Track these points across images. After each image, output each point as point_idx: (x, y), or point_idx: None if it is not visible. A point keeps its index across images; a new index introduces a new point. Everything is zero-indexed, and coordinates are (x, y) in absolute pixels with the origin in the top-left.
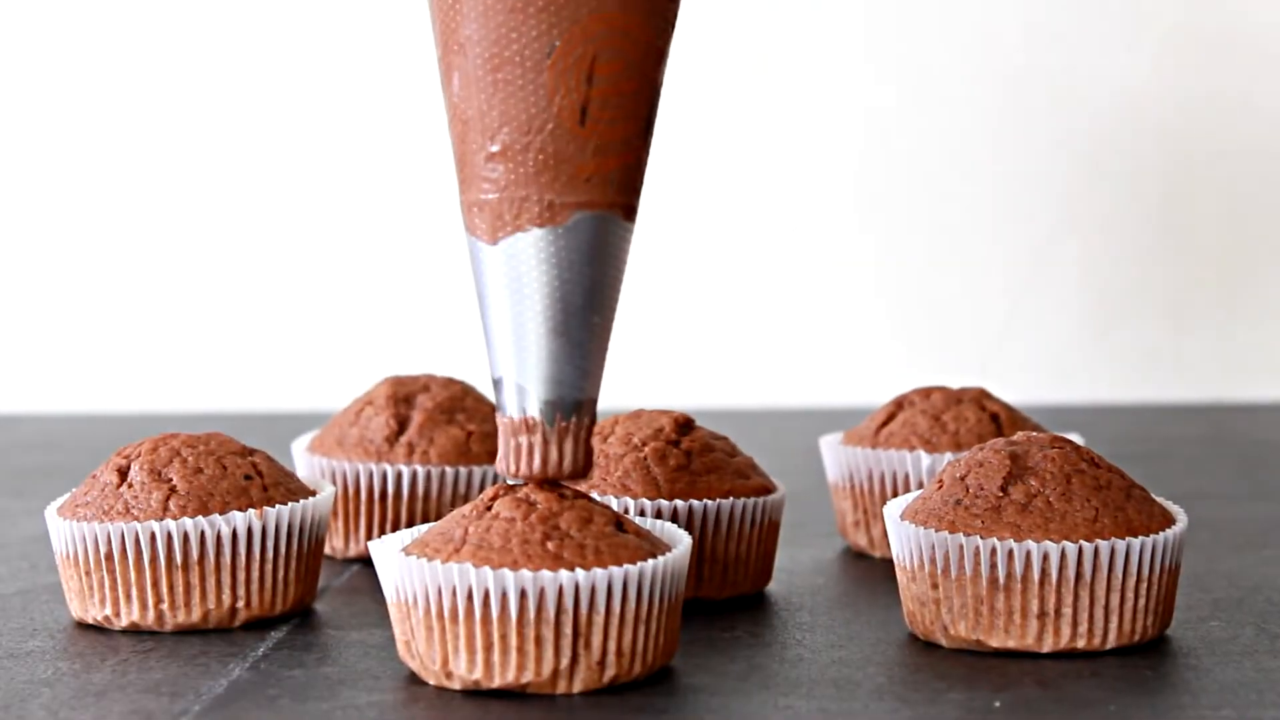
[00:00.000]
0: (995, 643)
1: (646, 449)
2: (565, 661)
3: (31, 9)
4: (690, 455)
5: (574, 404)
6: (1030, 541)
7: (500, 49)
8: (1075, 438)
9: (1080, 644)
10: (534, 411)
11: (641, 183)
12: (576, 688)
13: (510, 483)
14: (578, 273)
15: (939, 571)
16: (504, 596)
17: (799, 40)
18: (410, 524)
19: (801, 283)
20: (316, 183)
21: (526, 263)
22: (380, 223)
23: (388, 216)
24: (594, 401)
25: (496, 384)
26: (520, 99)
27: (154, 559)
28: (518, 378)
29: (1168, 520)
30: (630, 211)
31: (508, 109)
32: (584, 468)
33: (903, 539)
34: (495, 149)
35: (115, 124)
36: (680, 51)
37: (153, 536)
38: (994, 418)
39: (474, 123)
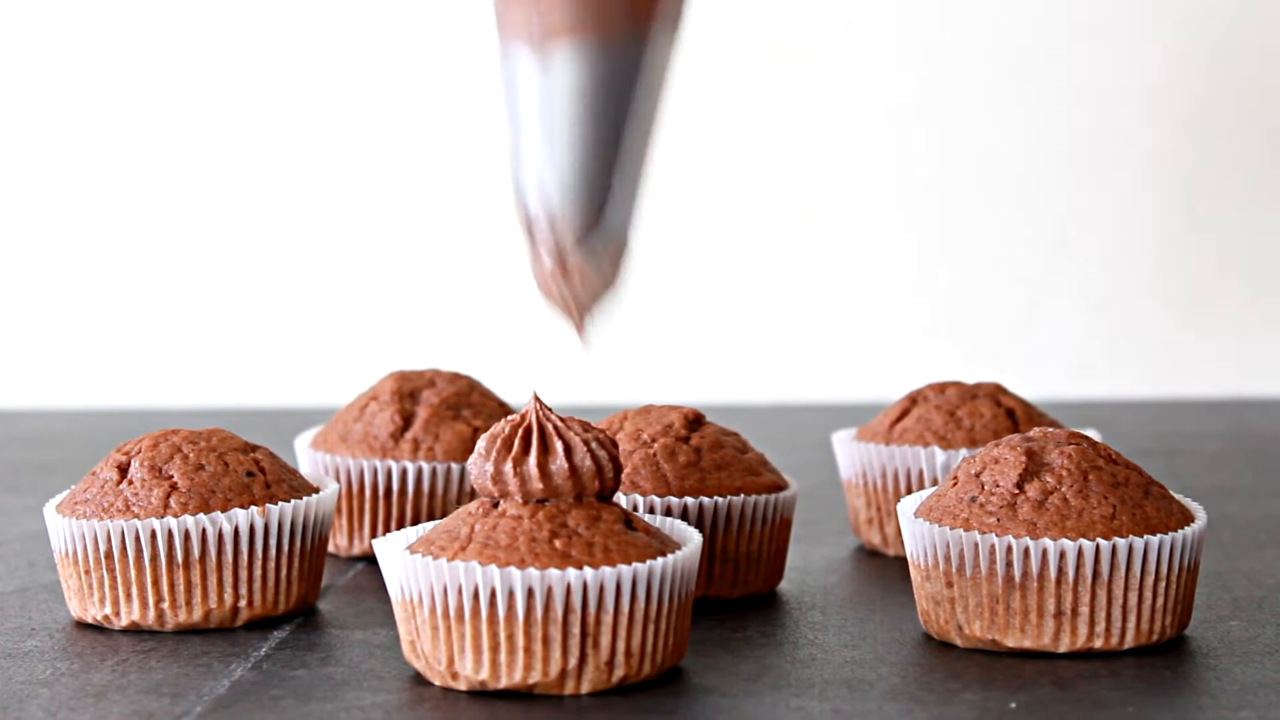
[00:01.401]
0: (1011, 642)
1: (656, 445)
2: (573, 662)
3: (31, 7)
4: (700, 452)
5: (611, 225)
6: (1046, 539)
7: None
8: (1092, 434)
9: (1098, 644)
10: (569, 234)
11: None
12: (584, 688)
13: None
14: (624, 90)
15: (954, 570)
16: (511, 596)
17: (816, 32)
18: (415, 522)
19: (814, 276)
20: (319, 175)
21: (573, 77)
22: (384, 216)
23: (391, 209)
24: (627, 219)
25: (524, 208)
26: None
27: (154, 557)
28: (548, 198)
29: (1187, 518)
30: (680, 21)
31: None
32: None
33: (917, 537)
34: None
35: (115, 118)
36: (698, 41)
37: (153, 534)
38: (1010, 413)
39: None
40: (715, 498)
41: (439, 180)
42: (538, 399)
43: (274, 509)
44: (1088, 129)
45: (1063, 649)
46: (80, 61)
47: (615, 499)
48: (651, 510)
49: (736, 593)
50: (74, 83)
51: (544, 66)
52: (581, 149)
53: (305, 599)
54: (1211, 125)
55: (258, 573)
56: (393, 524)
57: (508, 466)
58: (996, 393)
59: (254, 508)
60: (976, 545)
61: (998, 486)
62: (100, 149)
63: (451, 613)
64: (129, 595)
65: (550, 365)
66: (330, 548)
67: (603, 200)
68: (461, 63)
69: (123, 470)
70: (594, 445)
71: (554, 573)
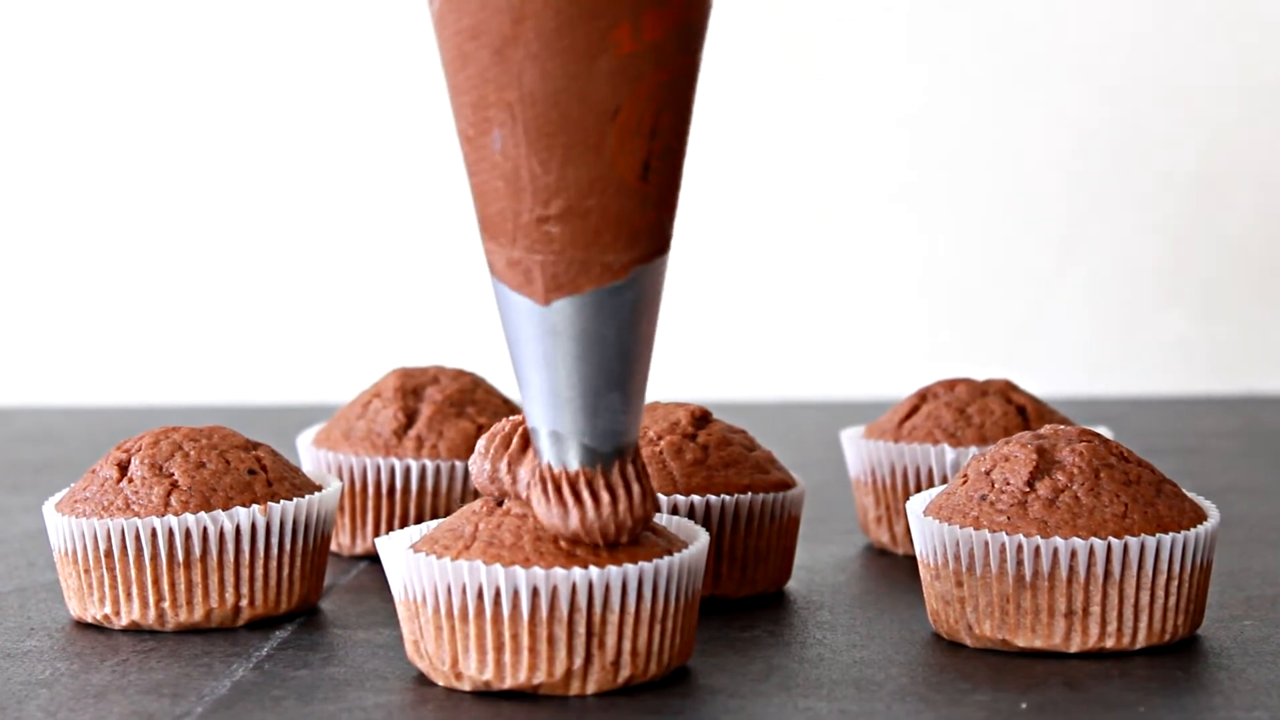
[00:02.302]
0: (1021, 642)
1: (662, 443)
2: (579, 662)
3: (31, 7)
4: (707, 449)
5: (623, 449)
6: (1057, 538)
7: (560, 113)
8: (1104, 431)
9: (1109, 644)
10: (578, 463)
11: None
12: (590, 689)
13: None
14: (632, 326)
15: (963, 569)
16: (515, 595)
17: (823, 30)
18: (419, 520)
19: (822, 272)
20: (322, 170)
21: (581, 322)
22: (388, 211)
23: (395, 204)
24: (638, 439)
25: (534, 432)
26: (582, 162)
27: (155, 556)
28: (558, 427)
29: (1199, 516)
30: (671, 240)
31: (567, 172)
32: (649, 500)
33: (926, 535)
34: (552, 211)
35: (115, 112)
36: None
37: (154, 533)
38: (1020, 410)
39: (523, 184)
40: (722, 496)
41: (441, 176)
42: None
43: (276, 507)
44: (1098, 124)
45: (1074, 649)
46: (81, 60)
47: None
48: (657, 508)
49: (744, 592)
50: (75, 81)
51: (550, 319)
52: (600, 389)
53: (307, 598)
54: (1223, 121)
55: (259, 572)
56: (396, 522)
57: (503, 465)
58: (1007, 390)
59: (255, 506)
60: (987, 544)
61: (1008, 484)
62: (98, 142)
63: (455, 612)
64: (129, 594)
65: None
66: (333, 546)
67: (628, 435)
68: None
69: (123, 468)
70: None
71: (559, 572)
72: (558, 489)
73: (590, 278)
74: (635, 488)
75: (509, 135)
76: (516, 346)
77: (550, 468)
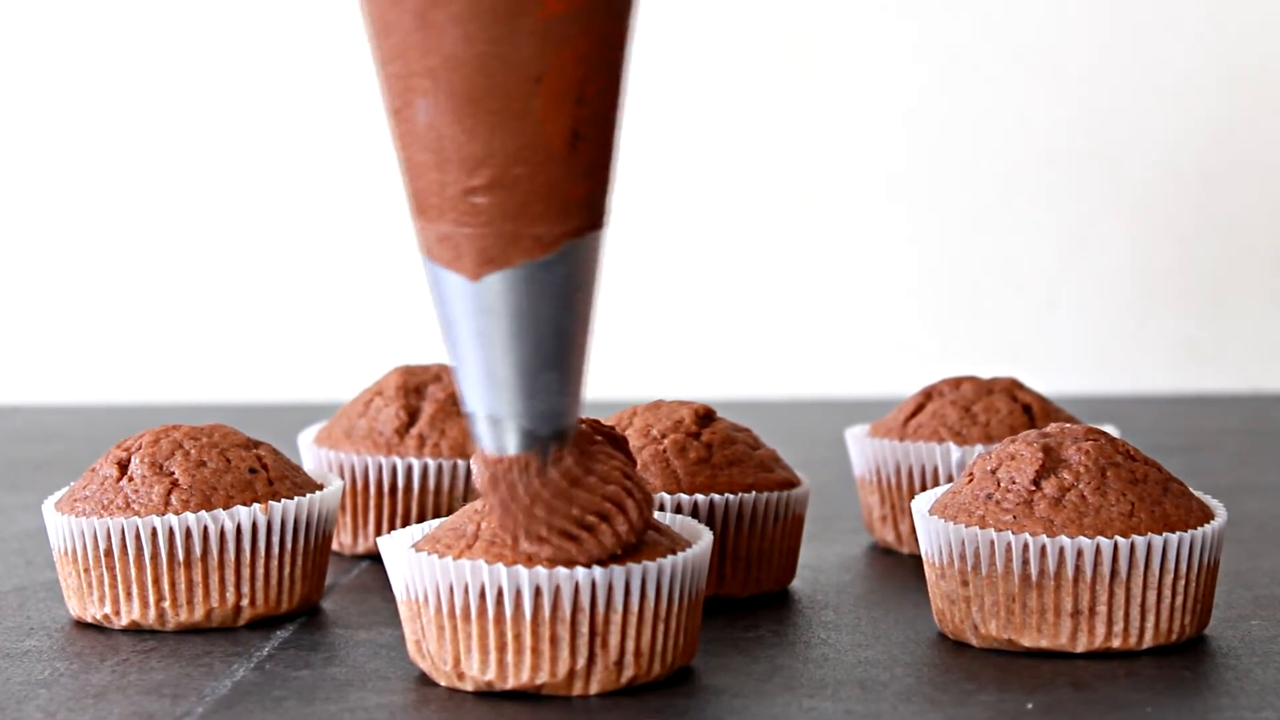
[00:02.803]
0: (1027, 642)
1: (666, 441)
2: (581, 662)
3: (31, 6)
4: (711, 448)
5: (563, 432)
6: (1064, 537)
7: (484, 78)
8: (1111, 429)
9: (1115, 644)
10: (517, 447)
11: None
12: (593, 689)
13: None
14: (567, 302)
15: (969, 568)
16: (518, 594)
17: (828, 21)
18: (421, 519)
19: (826, 269)
20: (323, 165)
21: (513, 297)
22: (390, 207)
23: (397, 201)
24: (576, 421)
25: (470, 418)
26: (507, 129)
27: (155, 555)
28: (492, 411)
29: (1207, 515)
30: (607, 218)
31: (493, 140)
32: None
33: (931, 534)
34: (479, 181)
35: (113, 108)
36: (706, 34)
37: (154, 532)
38: (1026, 409)
39: (449, 154)
40: (726, 495)
41: None
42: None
43: (277, 506)
44: (1106, 121)
45: (1080, 649)
46: (82, 58)
47: None
48: (661, 507)
49: (748, 591)
50: (76, 78)
51: (482, 295)
52: (535, 369)
53: (309, 598)
54: (1232, 117)
55: (260, 571)
56: (398, 521)
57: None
58: (1013, 388)
59: (256, 505)
60: (992, 543)
61: (1014, 483)
62: (97, 139)
63: (458, 612)
64: (129, 594)
65: None
66: (334, 546)
67: (567, 417)
68: None
69: (123, 467)
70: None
71: (562, 571)
72: (503, 476)
73: (520, 250)
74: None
75: (433, 104)
76: (450, 328)
77: (487, 454)
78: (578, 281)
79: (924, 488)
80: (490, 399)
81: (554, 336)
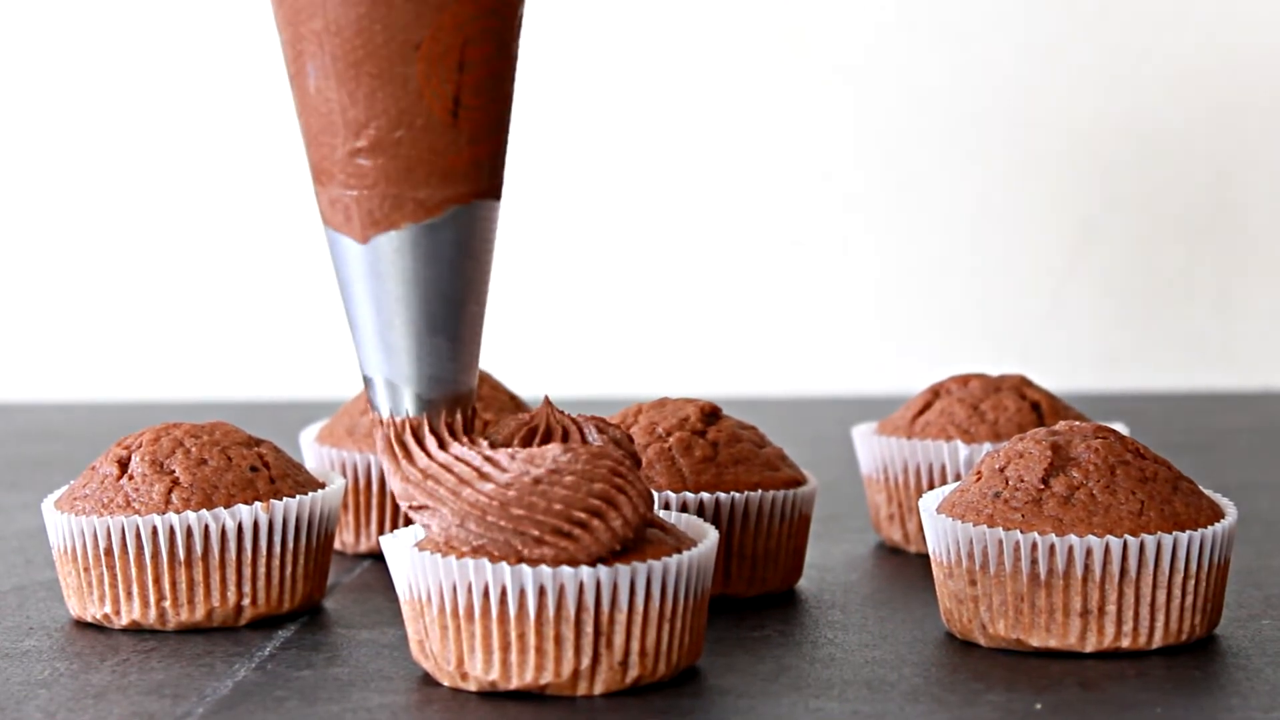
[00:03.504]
0: (1036, 642)
1: (671, 439)
2: (586, 662)
3: (31, 5)
4: (717, 446)
5: (454, 399)
6: (1073, 536)
7: (364, 40)
8: (1120, 427)
9: (1125, 643)
10: (414, 410)
11: (506, 157)
12: (598, 689)
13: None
14: (454, 267)
15: (977, 567)
16: (522, 594)
17: (828, 14)
18: None
19: (833, 265)
20: None
21: (401, 260)
22: None
23: None
24: (473, 392)
25: (368, 382)
26: (388, 93)
27: (156, 554)
28: (389, 375)
29: (1217, 514)
30: (499, 191)
31: (375, 103)
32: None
33: (939, 533)
34: (363, 144)
35: (113, 105)
36: (702, 29)
37: (154, 531)
38: (1035, 406)
39: (335, 118)
40: (732, 493)
41: None
42: (549, 402)
43: (278, 505)
44: (1116, 115)
45: (1089, 649)
46: (82, 56)
47: None
48: (667, 506)
49: (754, 591)
50: (75, 76)
51: (371, 258)
52: (423, 332)
53: (311, 597)
54: (1242, 111)
55: (262, 570)
56: (400, 520)
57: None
58: (1021, 385)
59: (258, 504)
60: (1001, 542)
61: (1022, 481)
62: (96, 136)
63: (461, 611)
64: (129, 593)
65: (563, 357)
66: (336, 545)
67: (456, 384)
68: None
69: (123, 465)
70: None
71: (566, 570)
72: (398, 439)
73: (405, 214)
74: (464, 449)
75: (319, 68)
76: (346, 292)
77: (388, 419)
78: (466, 248)
79: (931, 486)
80: (387, 363)
81: (442, 301)
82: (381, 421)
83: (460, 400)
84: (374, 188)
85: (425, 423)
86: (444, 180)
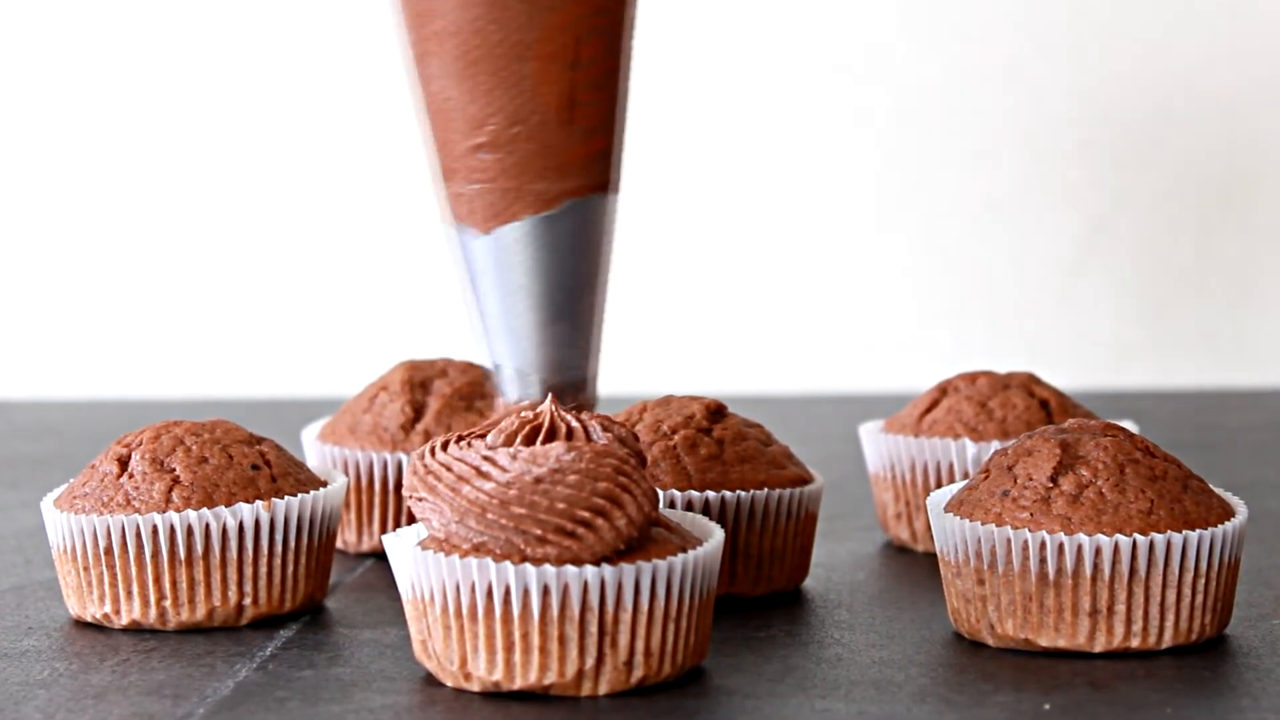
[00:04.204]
0: (1044, 642)
1: (676, 437)
2: (590, 662)
3: (31, 4)
4: (722, 444)
5: (579, 384)
6: (1081, 535)
7: (481, 40)
8: (1129, 425)
9: (1134, 643)
10: (540, 395)
11: (623, 151)
12: (602, 689)
13: None
14: (572, 258)
15: (985, 566)
16: (525, 593)
17: (835, 9)
18: None
19: (840, 262)
20: (326, 155)
21: (522, 250)
22: (395, 199)
23: (403, 192)
24: (595, 377)
25: (495, 369)
26: (505, 90)
27: (156, 553)
28: (519, 364)
29: (1227, 512)
30: (616, 184)
31: (492, 101)
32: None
33: (947, 532)
34: (482, 140)
35: (112, 101)
36: (711, 23)
37: (155, 530)
38: (1043, 404)
39: (456, 113)
40: (738, 491)
41: None
42: (554, 399)
43: (280, 503)
44: (1126, 108)
45: (1098, 649)
46: (82, 53)
47: None
48: (672, 504)
49: (760, 590)
50: (75, 73)
51: (495, 248)
52: (546, 320)
53: (312, 597)
54: (1254, 106)
55: (263, 570)
56: (403, 519)
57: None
58: (1030, 383)
59: (259, 502)
60: (1009, 541)
61: (1031, 480)
62: (95, 133)
63: (464, 611)
64: (129, 593)
65: None
66: (338, 543)
67: (577, 370)
68: None
69: (123, 463)
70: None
71: (570, 570)
72: (527, 425)
73: (524, 205)
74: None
75: (440, 66)
76: (473, 285)
77: (510, 404)
78: (583, 239)
79: (939, 484)
80: (513, 351)
81: (562, 289)
82: (510, 409)
83: (581, 386)
84: (494, 182)
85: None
86: (560, 174)
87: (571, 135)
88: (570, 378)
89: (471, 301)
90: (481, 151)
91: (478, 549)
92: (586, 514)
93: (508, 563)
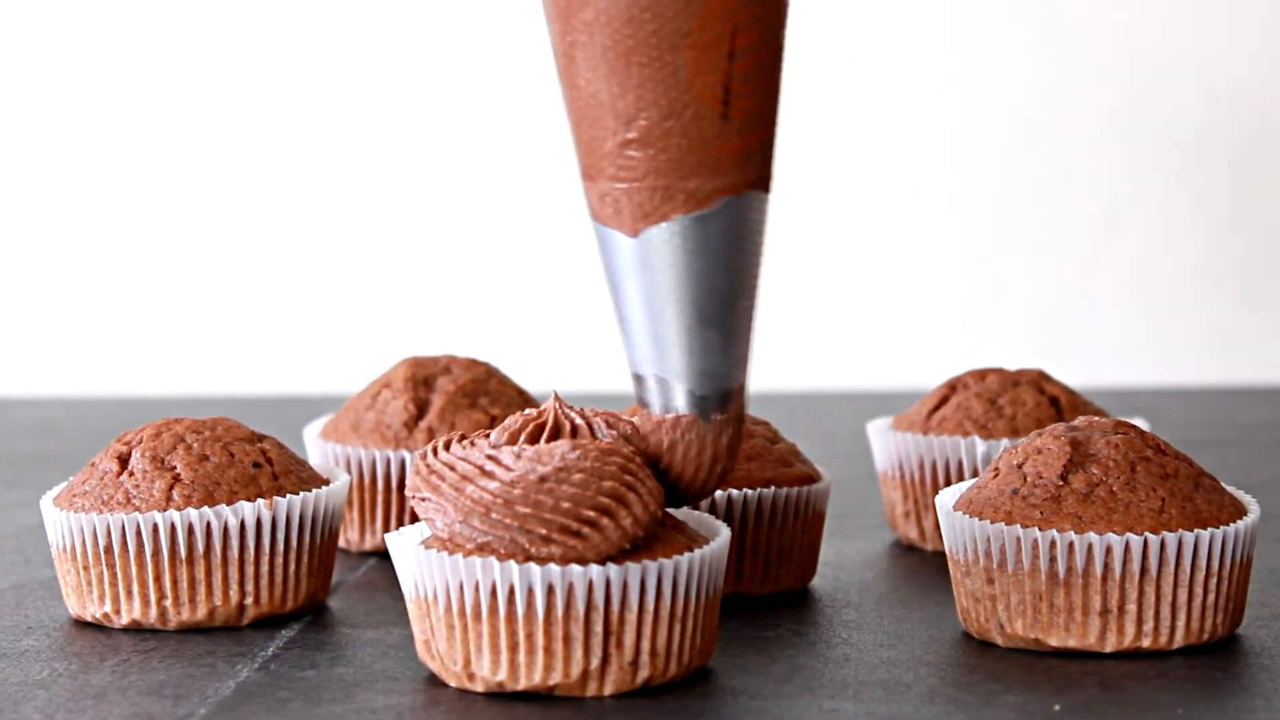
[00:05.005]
0: (1055, 641)
1: None
2: (596, 662)
3: (31, 3)
4: None
5: (727, 395)
6: (1092, 534)
7: (634, 29)
8: (1140, 423)
9: (1145, 643)
10: (685, 407)
11: (774, 147)
12: (608, 690)
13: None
14: (726, 259)
15: (995, 566)
16: (530, 592)
17: (853, 11)
18: None
19: (848, 259)
20: (328, 152)
21: (671, 253)
22: (398, 194)
23: (406, 187)
24: (744, 388)
25: (639, 380)
26: (658, 82)
27: (156, 552)
28: (661, 372)
29: (1239, 511)
30: (769, 182)
31: (644, 93)
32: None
33: (956, 531)
34: (632, 135)
35: (112, 97)
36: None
37: (155, 528)
38: (1053, 401)
39: (605, 108)
40: (744, 490)
41: (453, 159)
42: (558, 398)
43: (282, 502)
44: (1136, 104)
45: (1109, 648)
46: (81, 49)
47: None
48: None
49: (767, 589)
50: (75, 70)
51: (642, 251)
52: (695, 326)
53: (314, 596)
54: (1264, 100)
55: (265, 569)
56: (406, 518)
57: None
58: (1040, 380)
59: (261, 500)
60: (1019, 540)
61: (1041, 478)
62: (95, 130)
63: (468, 610)
64: (129, 592)
65: (572, 351)
66: (341, 542)
67: (727, 379)
68: (473, 49)
69: (123, 461)
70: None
71: (575, 569)
72: (531, 423)
73: (676, 205)
74: (725, 445)
75: (588, 58)
76: (616, 289)
77: (655, 416)
78: (737, 240)
79: (948, 483)
80: (657, 359)
81: (713, 293)
82: (655, 421)
83: (730, 396)
84: (644, 180)
85: (695, 421)
86: (714, 171)
87: (727, 129)
88: (719, 387)
89: (616, 306)
90: (631, 149)
91: (482, 548)
92: (592, 513)
93: (512, 562)
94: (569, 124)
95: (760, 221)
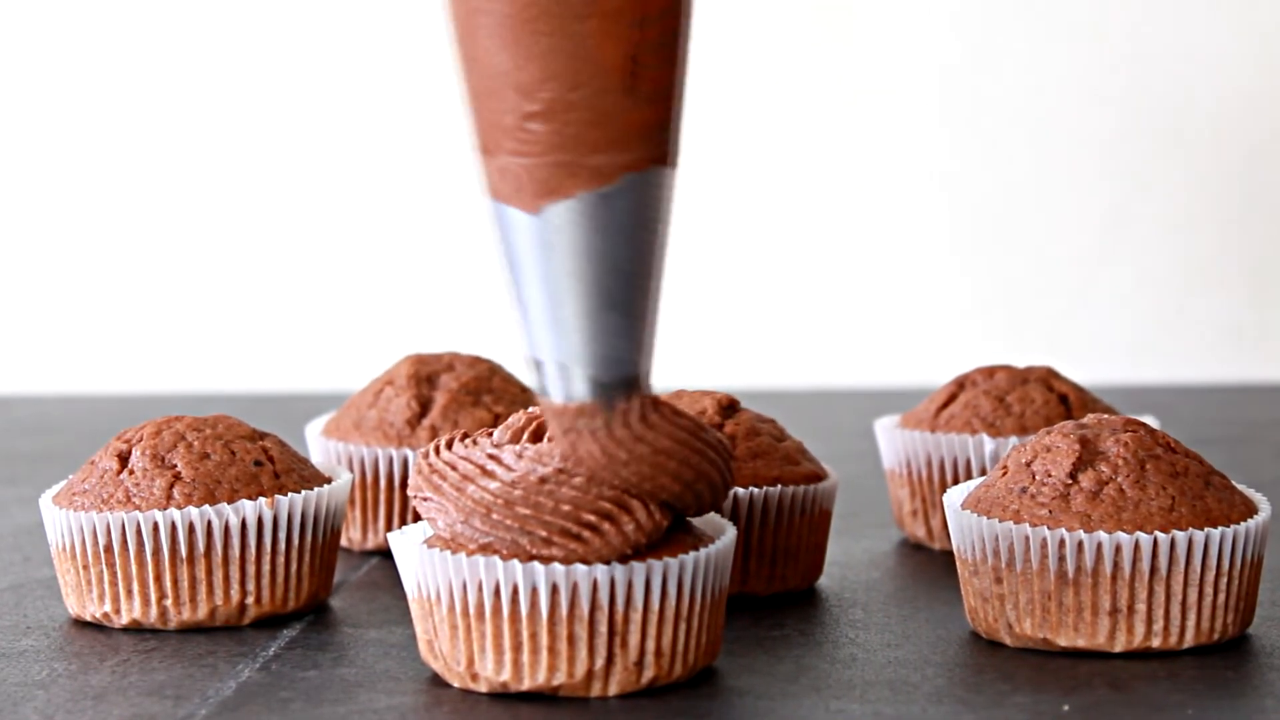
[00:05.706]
0: (1063, 641)
1: None
2: (600, 662)
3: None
4: (735, 439)
5: (631, 380)
6: (1101, 532)
7: None
8: (1150, 420)
9: (1155, 643)
10: (587, 394)
11: (682, 121)
12: (612, 690)
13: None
14: (629, 238)
15: (1003, 565)
16: (534, 592)
17: (861, 6)
18: None
19: (855, 255)
20: (329, 150)
21: (573, 231)
22: (400, 191)
23: (408, 184)
24: (649, 373)
25: (536, 365)
26: (563, 52)
27: (157, 551)
28: (562, 357)
29: (1250, 509)
30: (675, 157)
31: (548, 65)
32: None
33: (964, 530)
34: (535, 108)
35: (112, 96)
36: (743, 17)
37: (155, 527)
38: (1062, 399)
39: (505, 82)
40: (750, 488)
41: (454, 156)
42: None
43: (283, 500)
44: (1146, 97)
45: (1118, 648)
46: (81, 48)
47: None
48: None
49: (773, 589)
50: (75, 69)
51: (542, 229)
52: (597, 309)
53: (316, 595)
54: (1274, 96)
55: (266, 568)
56: (409, 517)
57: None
58: (1048, 377)
59: (262, 499)
60: (1027, 538)
61: (1050, 476)
62: (95, 129)
63: (471, 610)
64: (130, 591)
65: None
66: (343, 541)
67: (629, 365)
68: None
69: (123, 459)
70: None
71: (580, 568)
72: (568, 421)
73: (578, 181)
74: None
75: (490, 31)
76: (514, 269)
77: (555, 404)
78: (641, 218)
79: (956, 481)
80: (558, 343)
81: (616, 274)
82: (554, 409)
83: (634, 382)
84: (545, 155)
85: (596, 409)
86: (620, 145)
87: (633, 102)
88: (623, 373)
89: (511, 289)
90: (533, 121)
91: (484, 548)
92: (593, 517)
93: (515, 561)
94: (466, 97)
95: (666, 199)
